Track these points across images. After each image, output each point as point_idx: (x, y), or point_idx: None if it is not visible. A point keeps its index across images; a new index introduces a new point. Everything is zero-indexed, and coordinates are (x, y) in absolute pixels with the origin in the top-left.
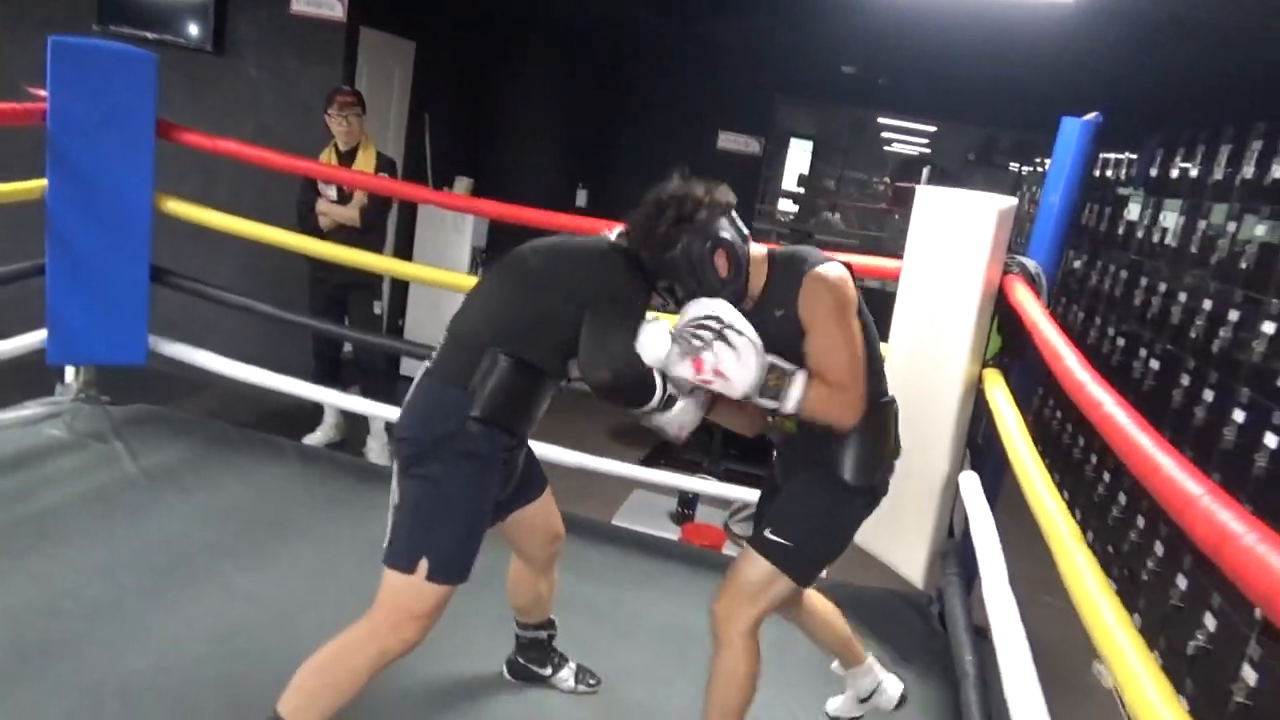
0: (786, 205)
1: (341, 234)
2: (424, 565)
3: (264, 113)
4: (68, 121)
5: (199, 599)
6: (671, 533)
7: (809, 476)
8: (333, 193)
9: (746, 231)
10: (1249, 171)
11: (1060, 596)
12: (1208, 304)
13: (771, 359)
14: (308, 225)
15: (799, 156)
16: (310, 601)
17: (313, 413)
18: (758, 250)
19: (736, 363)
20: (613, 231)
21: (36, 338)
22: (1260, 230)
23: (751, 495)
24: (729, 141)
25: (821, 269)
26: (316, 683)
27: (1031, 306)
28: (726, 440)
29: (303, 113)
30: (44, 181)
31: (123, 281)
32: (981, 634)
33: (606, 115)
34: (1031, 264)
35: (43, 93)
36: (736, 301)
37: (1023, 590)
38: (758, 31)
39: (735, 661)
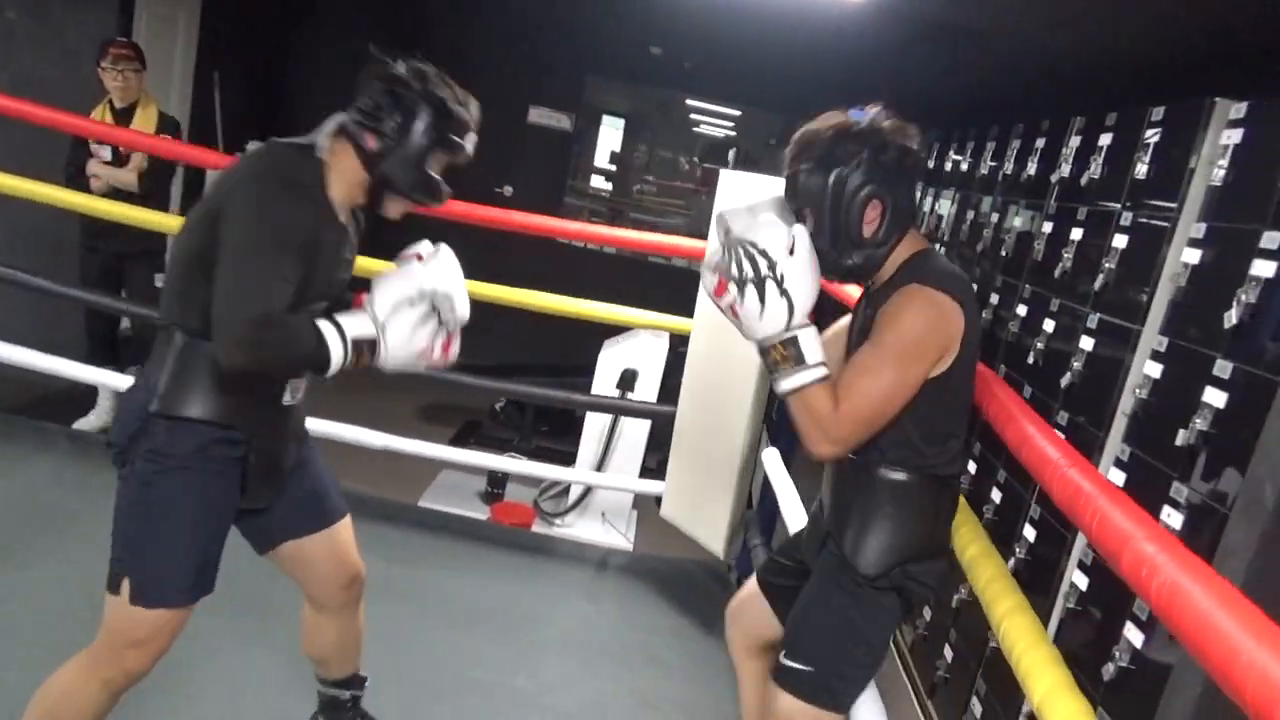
0: (599, 182)
1: (117, 200)
2: (126, 587)
3: (22, 60)
4: None
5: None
6: (480, 512)
7: (822, 567)
8: (106, 153)
9: (915, 203)
10: (1009, 167)
11: None
12: (974, 287)
13: (800, 334)
14: (77, 189)
15: (611, 134)
16: (82, 602)
17: (86, 395)
18: (915, 237)
19: (757, 315)
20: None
21: None
22: (1018, 221)
23: (562, 473)
24: (540, 116)
25: (931, 290)
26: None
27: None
28: (538, 417)
29: (70, 62)
30: None
31: None
32: None
33: None
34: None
35: None
36: (861, 277)
37: None
38: (567, 8)
39: None
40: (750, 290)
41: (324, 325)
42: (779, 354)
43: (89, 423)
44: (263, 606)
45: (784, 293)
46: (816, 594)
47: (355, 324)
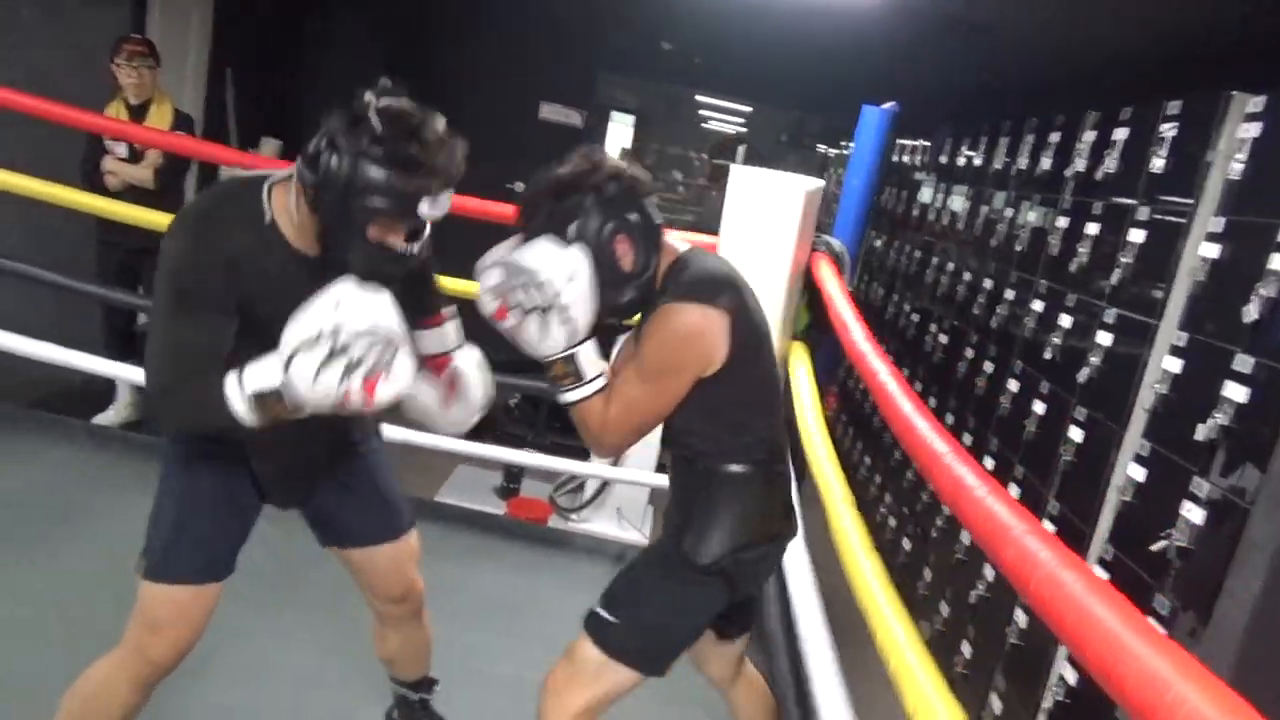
0: None
1: (133, 196)
2: (143, 564)
3: (37, 57)
4: None
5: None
6: (497, 507)
7: (660, 541)
8: (122, 150)
9: (659, 221)
10: (1023, 163)
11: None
12: (988, 283)
13: (578, 352)
14: (93, 185)
15: (621, 130)
16: (102, 596)
17: (105, 390)
18: (671, 246)
19: (536, 339)
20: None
21: None
22: (1032, 216)
23: (577, 467)
24: (551, 113)
25: (680, 307)
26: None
27: (831, 284)
28: (552, 413)
29: (84, 60)
30: None
31: None
32: (783, 588)
33: (423, 78)
34: (837, 243)
35: None
36: (642, 307)
37: (816, 551)
38: (578, 4)
39: None
40: (532, 318)
41: (229, 382)
42: (559, 370)
43: (108, 417)
44: (332, 604)
45: (565, 320)
46: (649, 557)
47: (259, 375)
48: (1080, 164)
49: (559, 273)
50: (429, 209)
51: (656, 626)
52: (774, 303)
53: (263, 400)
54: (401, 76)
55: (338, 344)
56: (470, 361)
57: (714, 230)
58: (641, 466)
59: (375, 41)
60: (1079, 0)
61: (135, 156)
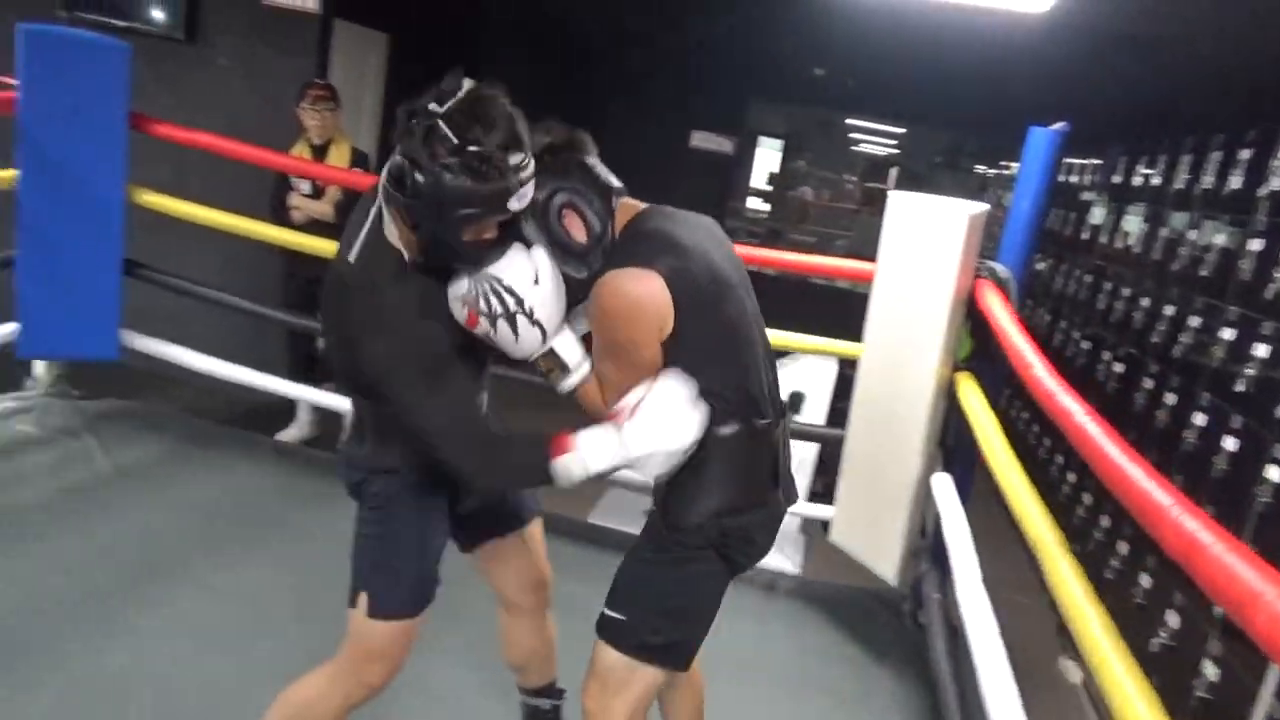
0: (756, 204)
1: (315, 229)
2: (363, 601)
3: (235, 104)
4: (38, 111)
5: (176, 597)
6: None
7: (648, 523)
8: (306, 186)
9: (616, 184)
10: (1209, 181)
11: (1028, 594)
12: (1169, 309)
13: (556, 344)
14: (280, 219)
15: (769, 155)
16: (286, 599)
17: (287, 409)
18: (629, 204)
19: (513, 342)
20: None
21: (6, 331)
22: (1220, 238)
23: None
24: (702, 140)
25: (615, 282)
26: None
27: (1000, 312)
28: None
29: (275, 105)
30: (14, 172)
31: (95, 274)
32: (954, 631)
33: (578, 111)
34: (1001, 269)
35: (12, 81)
36: (596, 266)
37: (993, 588)
38: (733, 33)
39: None
40: (502, 323)
41: (569, 458)
42: (545, 365)
43: (290, 434)
44: (456, 612)
45: (535, 322)
46: (638, 545)
47: (600, 454)
48: (1277, 183)
49: (522, 279)
50: (516, 204)
51: (663, 612)
52: (935, 329)
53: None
54: (558, 110)
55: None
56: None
57: (865, 255)
58: None
59: (535, 80)
60: (1266, 9)
61: (318, 192)
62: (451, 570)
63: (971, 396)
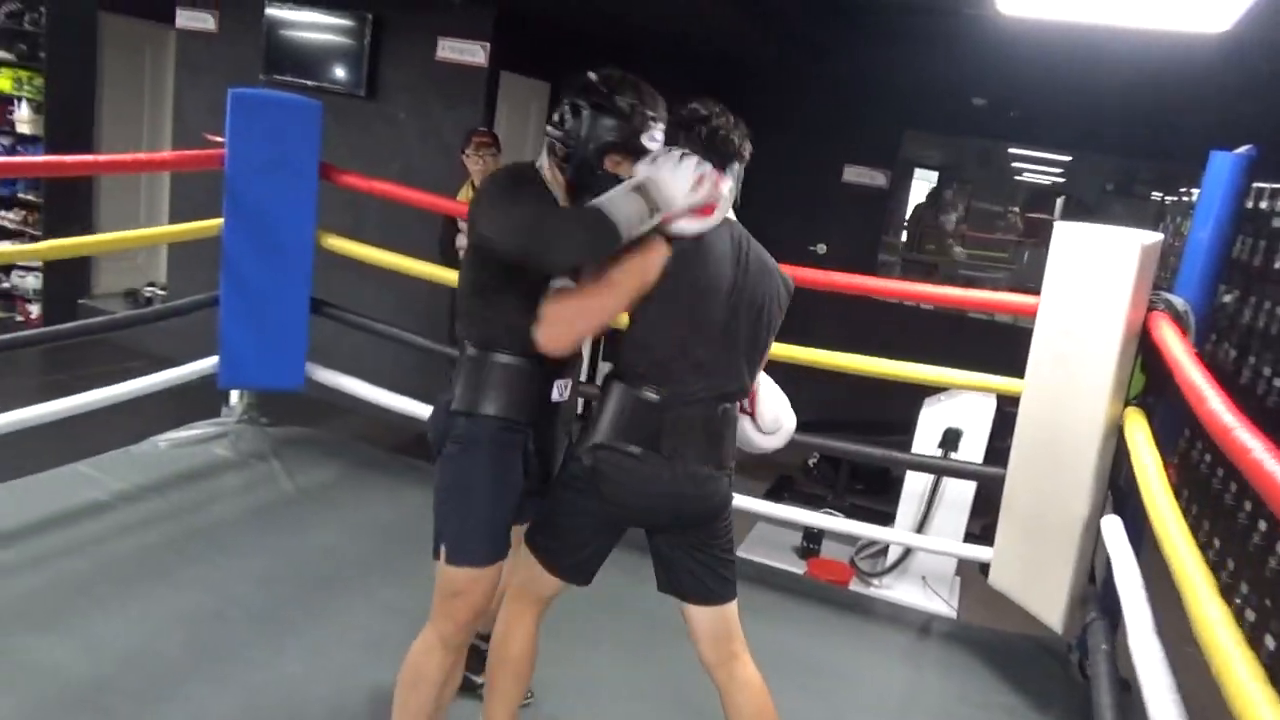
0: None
1: None
2: (443, 551)
3: (410, 153)
4: (243, 164)
5: (350, 609)
6: (797, 566)
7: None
8: None
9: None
10: None
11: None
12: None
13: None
14: (448, 259)
15: (923, 187)
16: None
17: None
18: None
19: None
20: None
21: (209, 363)
22: None
23: (881, 533)
24: (855, 175)
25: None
26: (410, 693)
27: (1176, 346)
28: (853, 475)
29: (444, 153)
30: (220, 220)
31: (287, 312)
32: (1125, 685)
33: None
34: (1179, 301)
35: (220, 139)
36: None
37: (1169, 641)
38: (887, 65)
39: (496, 636)
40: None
41: (603, 201)
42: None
43: None
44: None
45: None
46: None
47: (628, 184)
48: None
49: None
50: (650, 141)
51: (545, 518)
52: (1104, 365)
53: (642, 195)
54: None
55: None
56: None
57: (1029, 288)
58: (947, 534)
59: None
60: None
61: None
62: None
63: (1139, 435)
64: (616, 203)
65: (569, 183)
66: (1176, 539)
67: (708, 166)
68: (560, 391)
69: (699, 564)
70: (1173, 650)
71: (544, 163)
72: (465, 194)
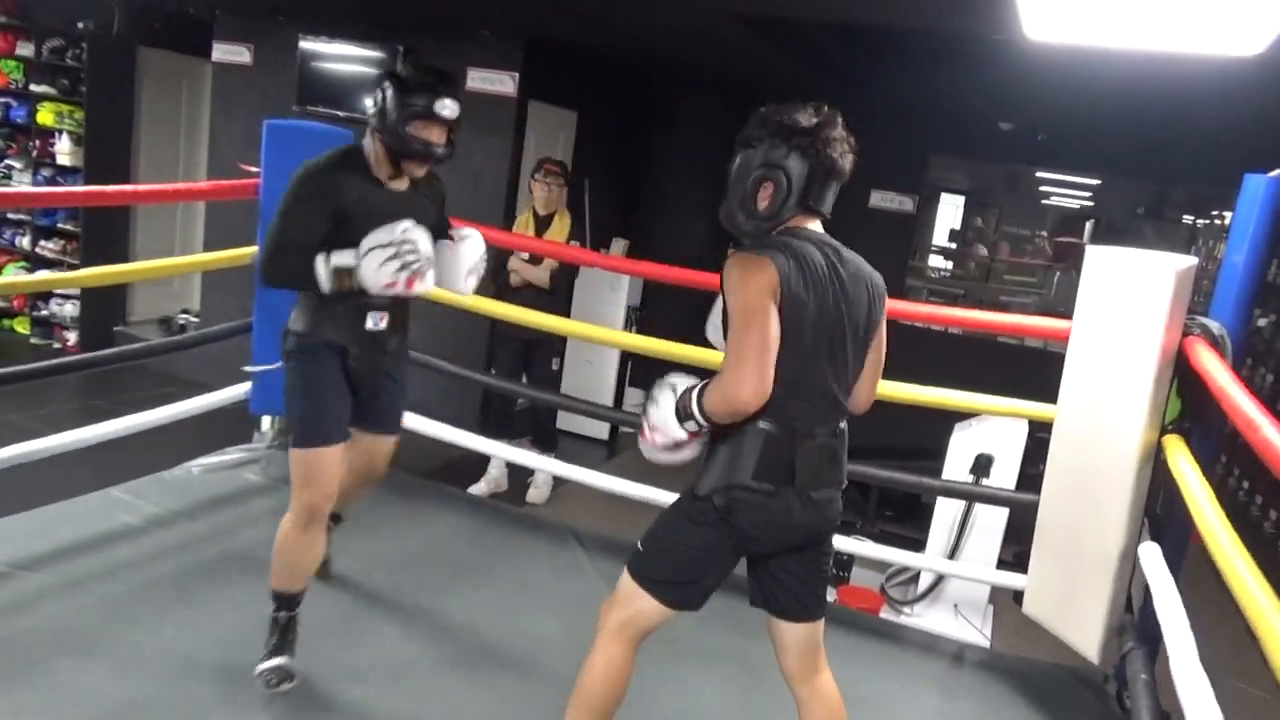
0: (937, 261)
1: (529, 292)
2: (291, 438)
3: (444, 180)
4: (277, 194)
5: (386, 635)
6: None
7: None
8: (525, 252)
9: (821, 207)
10: None
11: (1255, 682)
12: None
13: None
14: (499, 281)
15: (950, 212)
16: (477, 638)
17: (479, 463)
18: (803, 216)
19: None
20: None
21: (242, 389)
22: None
23: (912, 559)
24: (881, 200)
25: (734, 259)
26: (274, 561)
27: (1218, 371)
28: (882, 502)
29: (474, 181)
30: (254, 249)
31: None
32: (1166, 717)
33: None
34: (1215, 325)
35: (255, 169)
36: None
37: (1211, 672)
38: (913, 90)
39: (592, 659)
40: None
41: (319, 257)
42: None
43: (479, 488)
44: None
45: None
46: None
47: (341, 256)
48: None
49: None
50: (444, 111)
51: (660, 551)
52: (1140, 390)
53: (338, 273)
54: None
55: (400, 251)
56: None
57: (1058, 312)
58: (980, 562)
59: (715, 143)
60: None
61: (535, 258)
62: None
63: (1182, 461)
64: (320, 263)
65: (387, 150)
66: (1239, 567)
67: (409, 269)
68: (375, 322)
69: (802, 583)
70: (1219, 683)
71: (367, 142)
72: (527, 218)
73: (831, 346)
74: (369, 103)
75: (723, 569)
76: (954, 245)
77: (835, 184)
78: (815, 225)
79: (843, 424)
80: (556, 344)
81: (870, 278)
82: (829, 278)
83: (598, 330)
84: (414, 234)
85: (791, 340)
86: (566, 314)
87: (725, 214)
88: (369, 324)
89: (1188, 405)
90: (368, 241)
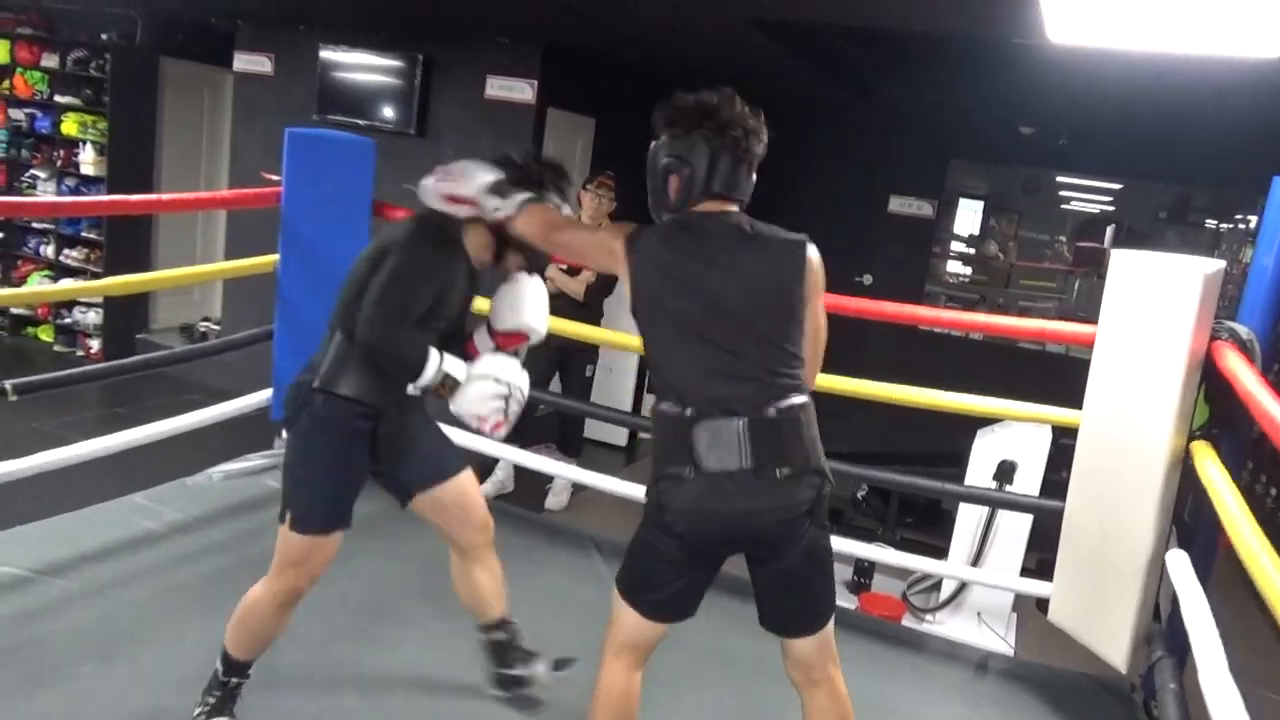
0: (955, 266)
1: (562, 301)
2: (289, 517)
3: None
4: (299, 202)
5: (403, 640)
6: (847, 601)
7: None
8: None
9: (742, 187)
10: None
11: None
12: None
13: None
14: None
15: (969, 216)
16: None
17: (488, 465)
18: (719, 207)
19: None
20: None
21: (263, 396)
22: None
23: (935, 566)
24: (900, 205)
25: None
26: (237, 627)
27: (1246, 376)
28: (903, 508)
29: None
30: (275, 256)
31: None
32: None
33: (776, 180)
34: (1243, 329)
35: (276, 177)
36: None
37: (1241, 682)
38: (934, 96)
39: (597, 681)
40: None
41: (433, 351)
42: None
43: (485, 489)
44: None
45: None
46: None
47: (453, 364)
48: None
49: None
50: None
51: (628, 556)
52: (1167, 396)
53: (445, 379)
54: (756, 178)
55: (510, 395)
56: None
57: (1079, 317)
58: (1003, 569)
59: None
60: None
61: (573, 270)
62: None
63: (1211, 468)
64: (432, 362)
65: (499, 241)
66: (1272, 574)
67: (505, 414)
68: (415, 386)
69: (773, 598)
70: (1249, 694)
71: (464, 224)
72: None
73: (717, 319)
74: (490, 202)
75: (690, 574)
76: (973, 250)
77: (744, 166)
78: (731, 208)
79: (787, 401)
80: (591, 352)
81: (792, 251)
82: (718, 253)
83: (624, 337)
84: (524, 381)
85: (652, 314)
86: (598, 325)
87: (650, 206)
88: (410, 388)
89: (1216, 411)
90: (485, 368)
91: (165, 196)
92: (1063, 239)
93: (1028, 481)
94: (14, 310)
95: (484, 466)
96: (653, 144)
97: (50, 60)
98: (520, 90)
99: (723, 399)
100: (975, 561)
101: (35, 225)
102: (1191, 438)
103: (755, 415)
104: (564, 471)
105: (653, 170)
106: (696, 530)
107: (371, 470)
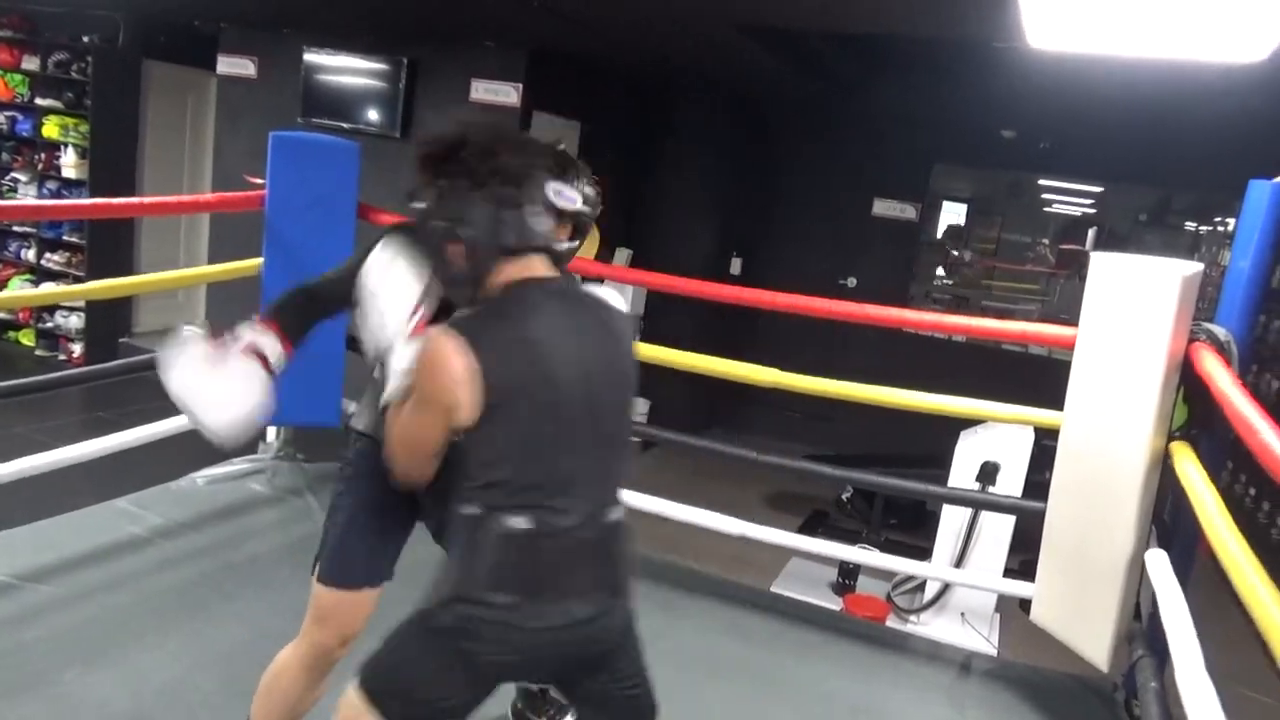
0: (941, 269)
1: None
2: (317, 567)
3: None
4: (283, 205)
5: None
6: (832, 602)
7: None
8: None
9: (540, 231)
10: None
11: (1265, 690)
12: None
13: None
14: None
15: (952, 219)
16: None
17: None
18: (523, 264)
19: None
20: None
21: None
22: None
23: (919, 568)
24: (884, 208)
25: (431, 337)
26: (265, 696)
27: (1221, 377)
28: (887, 509)
29: None
30: (260, 260)
31: (323, 349)
32: None
33: (761, 184)
34: (1221, 331)
35: (260, 180)
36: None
37: (1221, 682)
38: (916, 99)
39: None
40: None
41: None
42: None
43: None
44: None
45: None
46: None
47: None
48: None
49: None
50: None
51: (392, 669)
52: (1146, 397)
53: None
54: (743, 183)
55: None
56: None
57: (1062, 319)
58: (986, 570)
59: (719, 153)
60: None
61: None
62: None
63: (1190, 468)
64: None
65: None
66: (1248, 573)
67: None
68: None
69: (601, 712)
70: (1229, 693)
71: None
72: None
73: (586, 412)
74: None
75: (470, 698)
76: (957, 253)
77: (534, 206)
78: (539, 263)
79: (617, 510)
80: None
81: (618, 314)
82: (567, 336)
83: None
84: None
85: (513, 428)
86: None
87: (446, 293)
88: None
89: (1194, 412)
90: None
91: (148, 200)
92: (1045, 242)
93: (1011, 483)
94: None
95: None
96: (418, 214)
97: (31, 63)
98: (505, 93)
99: (577, 509)
100: (959, 563)
101: (16, 229)
102: (1171, 438)
103: (594, 528)
104: None
105: (426, 244)
106: (517, 664)
107: (419, 518)
